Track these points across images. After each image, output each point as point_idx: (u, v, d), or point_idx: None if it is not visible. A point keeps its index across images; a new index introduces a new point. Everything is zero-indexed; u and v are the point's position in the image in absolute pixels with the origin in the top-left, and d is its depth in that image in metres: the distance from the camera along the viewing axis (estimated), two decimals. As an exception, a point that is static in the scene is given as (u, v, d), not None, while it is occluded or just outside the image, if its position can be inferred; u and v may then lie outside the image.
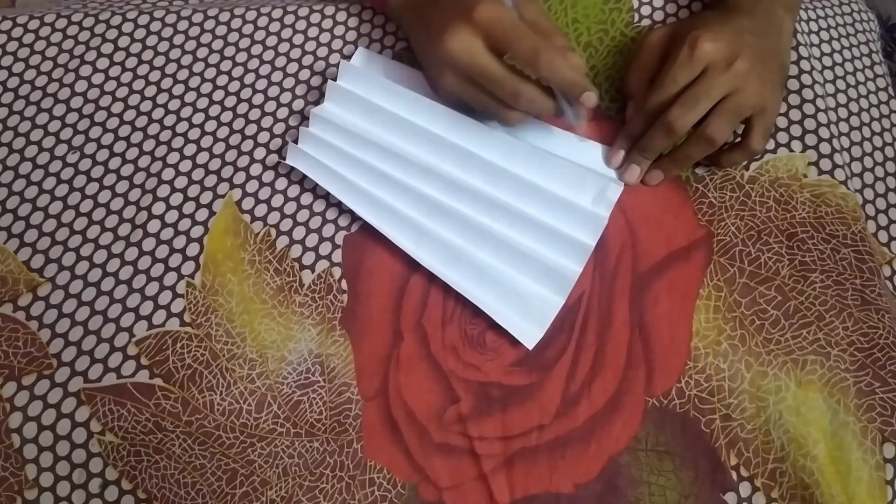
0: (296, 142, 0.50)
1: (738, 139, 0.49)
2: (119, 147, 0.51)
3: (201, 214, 0.50)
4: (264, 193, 0.50)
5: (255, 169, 0.51)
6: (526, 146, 0.49)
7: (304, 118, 0.52)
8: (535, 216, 0.47)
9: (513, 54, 0.44)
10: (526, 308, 0.46)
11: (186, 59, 0.54)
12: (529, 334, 0.45)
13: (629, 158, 0.49)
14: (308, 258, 0.49)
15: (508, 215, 0.47)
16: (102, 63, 0.53)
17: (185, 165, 0.51)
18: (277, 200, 0.50)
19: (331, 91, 0.51)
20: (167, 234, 0.49)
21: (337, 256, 0.49)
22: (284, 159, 0.50)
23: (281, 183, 0.50)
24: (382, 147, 0.49)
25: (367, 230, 0.49)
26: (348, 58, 0.53)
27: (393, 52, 0.54)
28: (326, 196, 0.50)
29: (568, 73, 0.43)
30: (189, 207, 0.50)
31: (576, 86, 0.43)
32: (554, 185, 0.48)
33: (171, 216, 0.50)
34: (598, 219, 0.47)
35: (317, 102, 0.52)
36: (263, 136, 0.52)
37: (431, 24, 0.46)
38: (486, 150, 0.48)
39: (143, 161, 0.51)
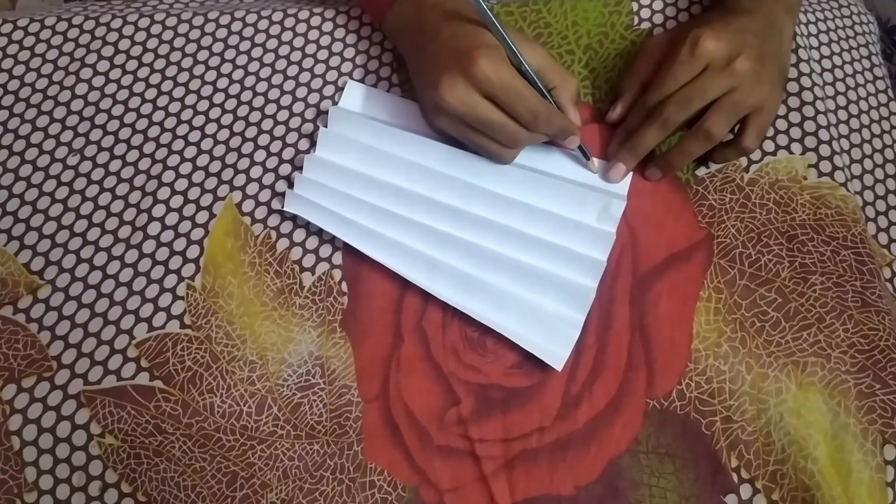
0: (291, 186, 0.50)
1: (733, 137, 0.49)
2: (119, 149, 0.51)
3: (201, 217, 0.50)
4: (264, 196, 0.50)
5: (256, 171, 0.51)
6: (524, 172, 0.49)
7: (304, 121, 0.52)
8: (544, 238, 0.47)
9: (510, 114, 0.44)
10: (548, 330, 0.46)
11: (186, 62, 0.54)
12: (556, 356, 0.45)
13: (616, 157, 0.49)
14: (308, 260, 0.49)
15: (517, 240, 0.47)
16: (103, 66, 0.53)
17: (185, 168, 0.51)
18: (278, 203, 0.50)
19: (322, 137, 0.50)
20: (167, 236, 0.49)
21: (337, 259, 0.49)
22: (286, 161, 0.50)
23: (281, 185, 0.50)
24: (382, 185, 0.49)
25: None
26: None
27: (393, 56, 0.54)
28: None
29: (564, 123, 0.46)
30: (189, 210, 0.50)
31: (567, 131, 0.47)
32: (557, 208, 0.48)
33: (172, 218, 0.50)
34: (605, 235, 0.48)
35: (316, 105, 0.52)
36: (263, 139, 0.52)
37: (428, 65, 0.45)
38: (486, 179, 0.48)
39: (143, 163, 0.51)
